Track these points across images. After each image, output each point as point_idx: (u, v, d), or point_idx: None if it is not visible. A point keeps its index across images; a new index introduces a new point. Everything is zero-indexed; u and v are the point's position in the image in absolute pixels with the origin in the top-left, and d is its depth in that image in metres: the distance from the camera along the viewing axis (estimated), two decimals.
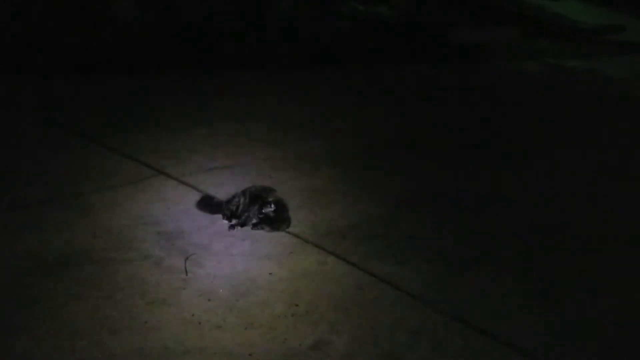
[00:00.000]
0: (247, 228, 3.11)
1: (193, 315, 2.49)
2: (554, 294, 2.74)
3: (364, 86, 5.64)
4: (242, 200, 3.19)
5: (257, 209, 3.10)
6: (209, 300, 2.58)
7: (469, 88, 5.78)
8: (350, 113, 4.91)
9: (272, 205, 3.10)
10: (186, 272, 2.76)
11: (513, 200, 3.59)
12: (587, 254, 3.07)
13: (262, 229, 3.10)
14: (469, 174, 3.91)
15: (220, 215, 3.19)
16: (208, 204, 3.30)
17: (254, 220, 3.11)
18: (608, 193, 3.73)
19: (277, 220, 3.12)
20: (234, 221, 3.13)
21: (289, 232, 3.11)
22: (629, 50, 7.40)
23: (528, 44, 7.20)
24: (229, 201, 3.21)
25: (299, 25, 6.32)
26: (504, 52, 6.87)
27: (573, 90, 5.90)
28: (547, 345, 2.41)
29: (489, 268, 2.91)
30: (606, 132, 4.82)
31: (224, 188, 3.48)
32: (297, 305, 2.57)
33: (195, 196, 3.42)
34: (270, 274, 2.78)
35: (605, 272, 2.93)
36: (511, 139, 4.55)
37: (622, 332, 2.51)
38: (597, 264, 2.99)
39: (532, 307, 2.64)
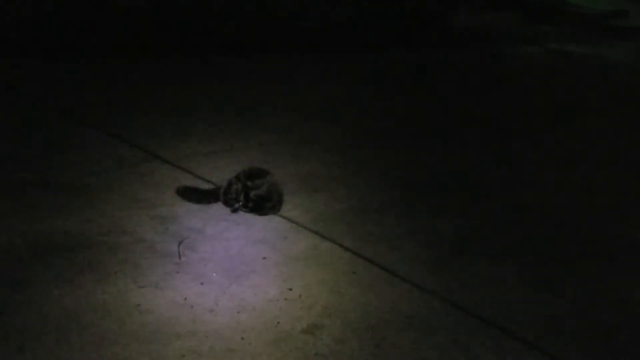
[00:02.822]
0: (242, 212, 3.09)
1: (185, 299, 2.47)
2: (551, 280, 2.72)
3: (363, 72, 5.60)
4: (238, 185, 3.16)
5: (247, 192, 3.07)
6: (201, 284, 2.57)
7: (469, 73, 5.73)
8: (347, 99, 4.88)
9: (262, 189, 3.06)
10: (179, 256, 2.74)
11: (511, 186, 3.57)
12: (586, 240, 3.05)
13: (253, 212, 3.07)
14: (467, 160, 3.88)
15: (214, 201, 3.17)
16: (201, 192, 3.25)
17: (243, 203, 3.08)
18: (609, 179, 3.70)
19: (268, 203, 3.09)
20: (236, 205, 3.10)
21: (283, 217, 3.09)
22: (633, 35, 7.33)
23: (530, 29, 7.13)
24: (227, 189, 3.18)
25: (301, 11, 6.26)
26: (505, 37, 6.81)
27: (576, 75, 5.85)
28: (542, 331, 2.40)
29: (485, 253, 2.89)
30: (610, 118, 4.78)
31: (219, 172, 3.46)
32: (290, 289, 2.56)
33: (191, 180, 3.40)
34: (264, 258, 2.77)
35: (604, 259, 2.90)
36: (512, 125, 4.52)
37: (619, 319, 2.49)
38: (596, 250, 2.97)
39: (528, 293, 2.63)
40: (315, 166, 3.66)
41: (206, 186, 3.34)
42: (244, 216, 3.08)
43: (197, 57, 5.63)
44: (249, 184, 3.06)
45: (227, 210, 3.11)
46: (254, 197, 3.05)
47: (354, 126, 4.33)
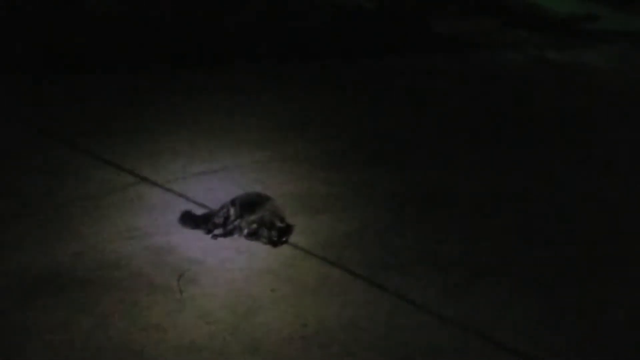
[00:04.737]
0: (243, 240, 2.90)
1: (192, 341, 2.28)
2: (571, 304, 2.61)
3: (347, 82, 5.44)
4: (231, 210, 2.98)
5: (273, 224, 2.90)
6: (208, 323, 2.38)
7: (454, 80, 5.64)
8: (336, 111, 4.71)
9: (279, 222, 2.92)
10: (181, 291, 2.55)
11: (517, 203, 3.44)
12: (600, 258, 2.94)
13: (257, 239, 2.90)
14: (469, 175, 3.74)
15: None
16: (194, 218, 3.06)
17: (247, 231, 2.92)
18: (610, 191, 3.62)
19: (274, 230, 2.92)
20: (217, 231, 2.92)
21: (287, 243, 2.91)
22: (608, 39, 7.36)
23: (509, 35, 7.10)
24: (216, 213, 3.01)
25: (278, 17, 6.09)
26: (486, 43, 6.75)
27: (557, 80, 5.82)
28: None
29: (502, 277, 2.76)
30: (595, 124, 4.73)
31: (213, 194, 3.27)
32: (305, 325, 2.38)
33: (183, 205, 3.19)
34: (272, 290, 2.59)
35: (622, 279, 2.81)
36: (507, 134, 4.42)
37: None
38: (613, 270, 2.87)
39: (551, 319, 2.50)
40: (314, 185, 3.48)
41: (200, 211, 3.14)
42: (245, 244, 2.89)
43: (176, 68, 5.39)
44: (269, 215, 2.92)
45: (227, 238, 2.91)
46: (284, 226, 2.91)
47: (348, 140, 4.16)
